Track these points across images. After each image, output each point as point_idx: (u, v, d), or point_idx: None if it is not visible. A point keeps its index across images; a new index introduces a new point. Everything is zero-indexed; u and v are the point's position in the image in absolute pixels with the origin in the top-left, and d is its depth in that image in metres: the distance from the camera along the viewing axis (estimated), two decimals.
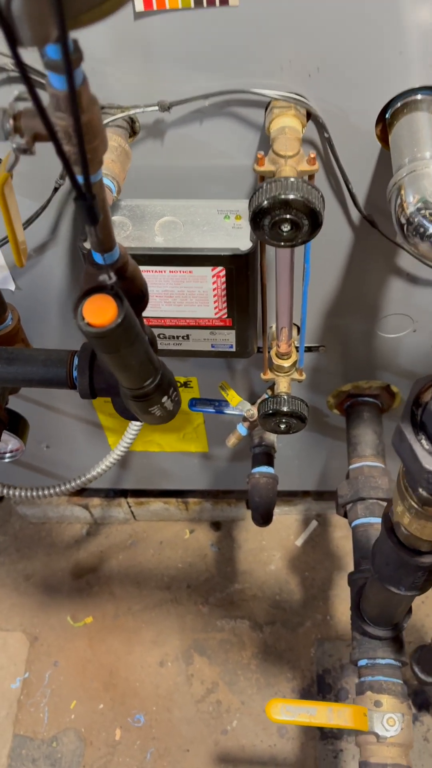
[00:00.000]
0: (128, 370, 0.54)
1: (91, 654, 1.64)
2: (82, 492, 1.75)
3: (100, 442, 1.41)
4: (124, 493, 1.74)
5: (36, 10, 0.33)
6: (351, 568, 1.69)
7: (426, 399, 0.56)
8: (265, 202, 0.64)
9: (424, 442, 0.54)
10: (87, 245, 0.78)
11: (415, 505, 0.62)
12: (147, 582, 1.72)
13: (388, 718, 0.90)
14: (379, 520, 1.07)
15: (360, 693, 0.95)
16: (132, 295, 0.54)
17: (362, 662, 0.98)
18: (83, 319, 0.48)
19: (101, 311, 0.48)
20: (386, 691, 0.93)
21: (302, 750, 1.48)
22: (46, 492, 1.23)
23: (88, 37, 0.71)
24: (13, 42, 0.34)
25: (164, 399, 0.59)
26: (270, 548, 1.75)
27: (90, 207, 0.43)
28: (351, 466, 1.15)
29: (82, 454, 1.44)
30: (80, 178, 0.42)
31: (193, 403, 1.18)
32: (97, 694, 1.59)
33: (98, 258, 0.51)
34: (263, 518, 1.17)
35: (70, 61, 0.36)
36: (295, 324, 0.99)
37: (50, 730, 1.55)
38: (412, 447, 0.54)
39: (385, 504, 1.09)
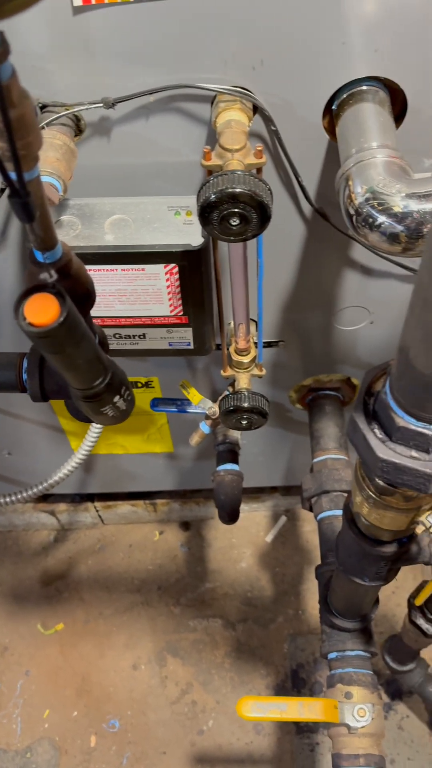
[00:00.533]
0: (76, 370, 0.53)
1: (63, 661, 1.62)
2: (47, 498, 1.72)
3: (63, 446, 1.39)
4: (91, 498, 1.72)
5: None
6: (320, 561, 1.71)
7: (378, 388, 0.56)
8: (213, 197, 0.64)
9: (377, 431, 0.54)
10: None
11: (373, 495, 0.62)
12: (117, 586, 1.71)
13: (358, 709, 0.90)
14: None
15: (331, 686, 0.95)
16: (77, 294, 0.53)
17: (332, 655, 0.98)
18: (24, 318, 0.47)
19: (43, 310, 0.47)
20: (356, 683, 0.93)
21: (279, 745, 1.48)
22: (8, 499, 1.21)
23: (28, 35, 0.70)
24: None
25: (116, 399, 0.58)
26: (240, 546, 1.75)
27: (25, 204, 0.42)
28: (314, 460, 1.15)
29: (46, 459, 1.42)
30: (14, 175, 0.41)
31: (155, 403, 1.17)
32: (71, 701, 1.57)
33: (39, 256, 0.50)
34: (230, 516, 1.17)
35: None
36: (252, 320, 0.99)
37: (24, 741, 1.53)
38: (366, 437, 0.54)
39: None
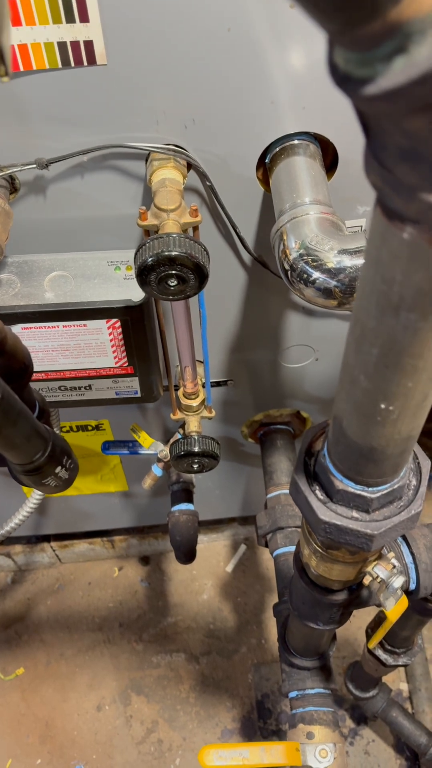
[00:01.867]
0: (15, 449, 0.52)
1: (25, 707, 1.58)
2: (2, 541, 1.69)
3: (15, 490, 1.37)
4: (47, 538, 1.69)
5: None
6: None
7: (317, 448, 0.57)
8: (150, 260, 0.64)
9: (318, 492, 0.55)
10: None
11: (320, 550, 0.62)
12: (78, 625, 1.69)
13: (320, 750, 0.91)
14: None
15: (292, 725, 0.96)
16: (14, 369, 0.53)
17: (292, 694, 0.98)
18: None
19: None
20: (317, 722, 0.94)
21: None
22: None
23: None
24: None
25: (58, 469, 0.58)
26: (201, 577, 1.75)
27: None
28: (268, 495, 1.16)
29: None
30: None
31: (107, 446, 1.16)
32: (34, 749, 1.54)
33: None
34: (186, 556, 1.16)
35: None
36: (199, 361, 0.99)
37: None
38: (308, 498, 0.54)
39: None
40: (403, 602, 0.67)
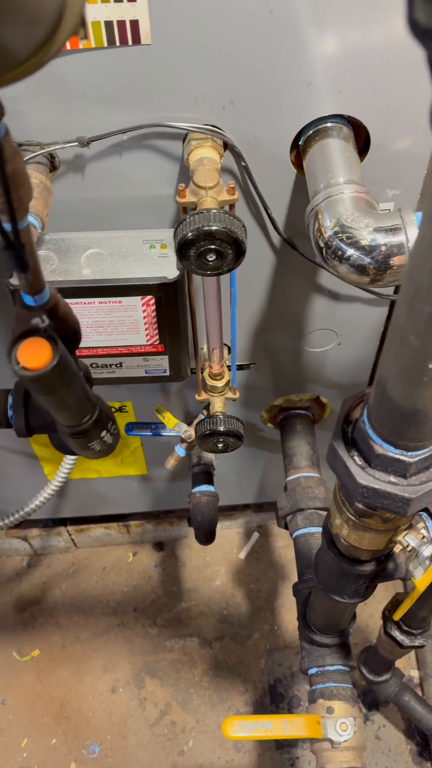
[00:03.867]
0: (66, 410, 0.54)
1: (41, 688, 1.61)
2: (19, 524, 1.71)
3: (36, 472, 1.39)
4: (63, 522, 1.71)
5: None
6: (294, 576, 1.72)
7: (355, 416, 0.59)
8: (190, 234, 0.66)
9: (356, 458, 0.57)
10: (13, 281, 0.78)
11: (353, 518, 0.64)
12: (93, 609, 1.71)
13: (340, 724, 0.92)
14: (318, 529, 1.10)
15: (312, 701, 0.97)
16: (65, 334, 0.55)
17: (312, 671, 1.00)
18: (18, 363, 0.48)
19: (36, 355, 0.48)
20: (337, 697, 0.96)
21: (259, 762, 1.50)
22: None
23: None
24: None
25: (103, 433, 0.60)
26: (214, 564, 1.76)
27: (19, 256, 0.44)
28: (288, 478, 1.18)
29: (18, 486, 1.42)
30: (8, 226, 0.43)
31: (130, 427, 1.18)
32: (49, 728, 1.56)
33: (28, 300, 0.51)
34: (206, 536, 1.18)
35: None
36: (225, 344, 1.01)
37: None
38: (346, 464, 0.56)
39: (323, 513, 1.12)
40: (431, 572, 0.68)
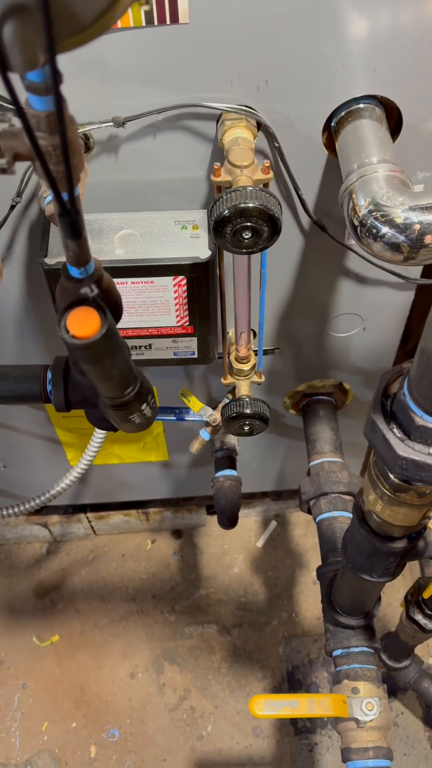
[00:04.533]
0: (110, 380, 0.55)
1: (61, 673, 1.62)
2: (40, 510, 1.73)
3: (59, 458, 1.40)
4: (83, 509, 1.73)
5: (27, 38, 0.35)
6: (312, 564, 1.74)
7: (394, 390, 0.59)
8: (226, 211, 0.67)
9: (395, 430, 0.57)
10: (49, 261, 0.79)
11: (388, 492, 0.65)
12: (111, 595, 1.72)
13: (366, 703, 0.93)
14: (342, 513, 1.11)
15: (337, 682, 0.98)
16: (109, 306, 0.56)
17: (337, 652, 1.01)
18: (68, 331, 0.49)
19: (85, 323, 0.49)
20: (362, 678, 0.96)
21: (278, 747, 1.51)
22: (8, 512, 1.22)
23: None
24: (5, 69, 0.35)
25: (143, 406, 0.60)
26: (232, 551, 1.77)
27: (74, 223, 0.44)
28: (311, 463, 1.18)
29: (41, 471, 1.43)
30: (64, 195, 0.44)
31: None
32: (69, 712, 1.57)
33: (74, 272, 0.52)
34: (229, 521, 1.19)
35: (58, 83, 0.37)
36: (251, 329, 1.02)
37: (23, 754, 1.53)
38: (385, 436, 0.57)
39: (346, 497, 1.13)
40: None
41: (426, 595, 0.80)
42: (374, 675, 0.98)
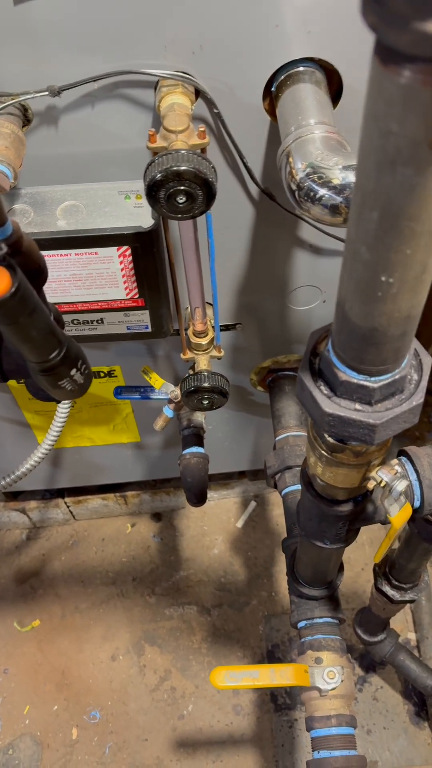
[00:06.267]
0: (30, 342, 0.55)
1: (42, 657, 1.63)
2: (17, 496, 1.73)
3: (29, 441, 1.40)
4: (61, 493, 1.73)
5: None
6: None
7: (322, 349, 0.59)
8: (158, 175, 0.66)
9: (322, 387, 0.57)
10: None
11: (326, 454, 0.65)
12: (92, 579, 1.72)
13: (328, 672, 0.93)
14: None
15: (301, 653, 0.98)
16: (30, 269, 0.55)
17: (301, 624, 1.01)
18: None
19: None
20: (325, 648, 0.96)
21: (258, 724, 1.51)
22: None
23: None
24: None
25: (73, 372, 0.60)
26: (212, 533, 1.78)
27: None
28: (277, 438, 1.18)
29: (11, 456, 1.43)
30: None
31: (119, 391, 1.19)
32: (51, 696, 1.58)
33: None
34: (197, 497, 1.19)
35: None
36: (208, 303, 1.01)
37: (5, 738, 1.53)
38: (312, 393, 0.56)
39: None
40: (407, 509, 0.69)
41: (376, 559, 0.80)
42: (338, 645, 0.98)
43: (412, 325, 0.50)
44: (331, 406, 0.55)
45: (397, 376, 0.54)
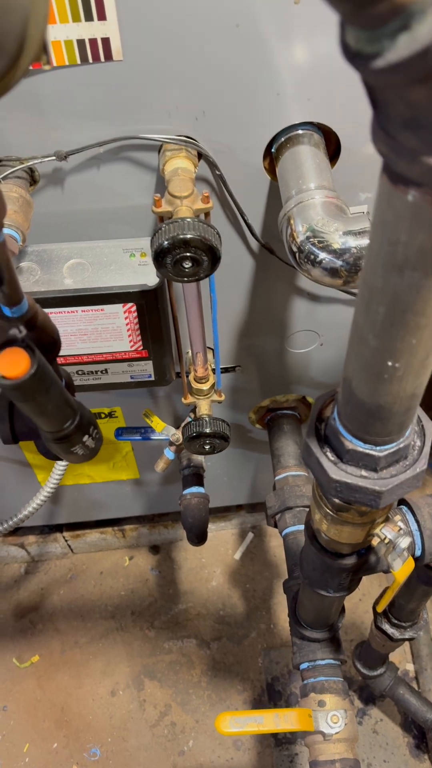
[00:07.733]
0: (46, 415, 0.56)
1: (41, 693, 1.62)
2: (16, 531, 1.73)
3: (30, 480, 1.41)
4: (60, 528, 1.73)
5: None
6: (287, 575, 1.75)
7: (327, 414, 0.61)
8: (165, 243, 0.68)
9: (329, 453, 0.59)
10: None
11: (331, 512, 0.66)
12: (91, 614, 1.72)
13: (332, 716, 0.94)
14: None
15: (304, 695, 0.99)
16: (44, 343, 0.57)
17: (304, 665, 1.02)
18: None
19: (14, 364, 0.50)
20: (328, 690, 0.98)
21: (259, 759, 1.51)
22: None
23: None
24: None
25: (85, 438, 0.62)
26: (210, 565, 1.78)
27: None
28: (276, 477, 1.20)
29: (12, 494, 1.44)
30: None
31: (120, 432, 1.20)
32: (50, 733, 1.57)
33: (7, 311, 0.53)
34: (198, 538, 1.20)
35: None
36: (209, 347, 1.03)
37: None
38: (319, 460, 0.58)
39: None
40: (410, 563, 0.71)
41: (379, 608, 0.82)
42: (340, 687, 0.99)
43: (416, 402, 0.52)
44: (338, 473, 0.57)
45: (401, 445, 0.56)
